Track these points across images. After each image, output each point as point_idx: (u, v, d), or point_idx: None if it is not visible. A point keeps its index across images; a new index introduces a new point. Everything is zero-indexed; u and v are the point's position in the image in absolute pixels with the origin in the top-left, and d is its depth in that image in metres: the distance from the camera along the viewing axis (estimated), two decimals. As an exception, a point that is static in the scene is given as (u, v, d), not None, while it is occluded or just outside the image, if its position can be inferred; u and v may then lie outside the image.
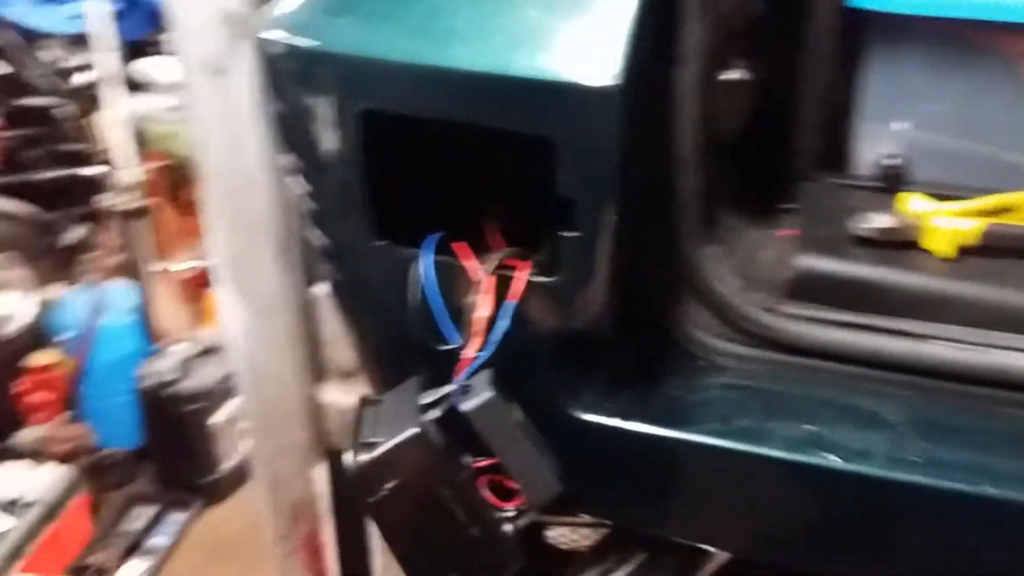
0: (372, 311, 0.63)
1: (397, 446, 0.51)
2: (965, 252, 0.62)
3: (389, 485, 0.51)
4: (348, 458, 0.51)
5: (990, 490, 0.51)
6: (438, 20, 0.52)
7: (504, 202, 0.59)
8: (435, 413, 0.54)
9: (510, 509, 0.55)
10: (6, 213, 2.77)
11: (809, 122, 0.71)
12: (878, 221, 0.63)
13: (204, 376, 2.34)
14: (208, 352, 2.43)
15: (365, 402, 0.57)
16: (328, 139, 0.57)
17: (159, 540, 2.18)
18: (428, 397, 0.55)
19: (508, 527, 0.54)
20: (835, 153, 0.74)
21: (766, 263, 0.65)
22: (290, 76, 0.57)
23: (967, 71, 0.68)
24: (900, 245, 0.62)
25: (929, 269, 0.60)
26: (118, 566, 2.08)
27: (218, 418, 2.34)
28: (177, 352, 2.43)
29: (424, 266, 0.55)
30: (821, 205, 0.68)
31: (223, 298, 1.59)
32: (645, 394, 0.59)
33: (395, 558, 0.53)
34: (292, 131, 0.60)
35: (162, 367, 2.36)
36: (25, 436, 2.31)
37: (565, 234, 0.52)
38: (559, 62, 0.48)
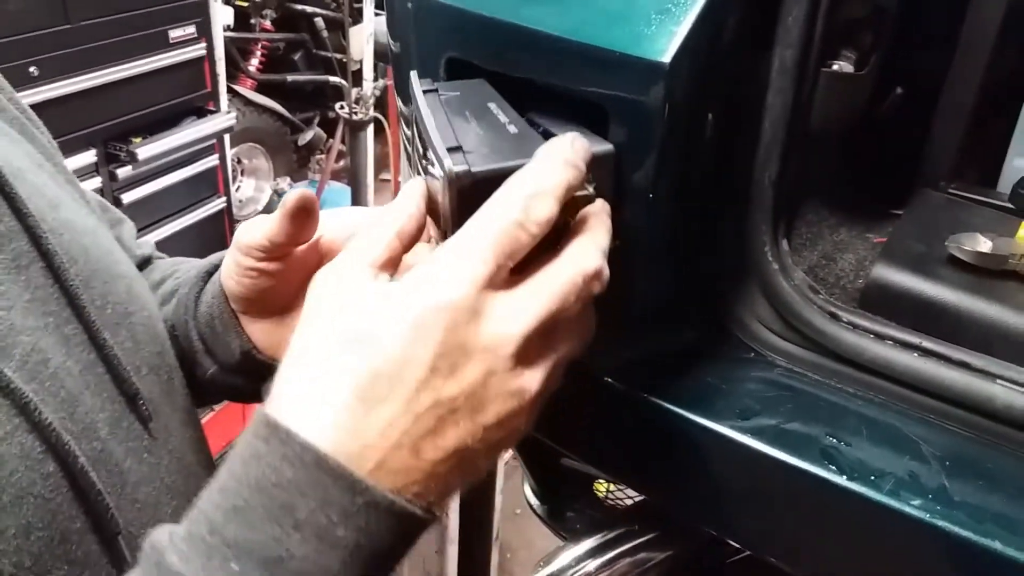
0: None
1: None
2: (1075, 295, 0.56)
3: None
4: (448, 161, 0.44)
5: (997, 545, 0.48)
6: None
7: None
8: None
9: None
10: (262, 108, 3.10)
11: (948, 126, 0.66)
12: (980, 244, 0.58)
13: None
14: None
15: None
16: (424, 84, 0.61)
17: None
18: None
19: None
20: (976, 162, 0.68)
21: (845, 267, 0.62)
22: (402, 18, 0.62)
23: None
24: (997, 274, 0.57)
25: (1019, 304, 0.55)
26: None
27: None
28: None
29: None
30: (931, 217, 0.64)
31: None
32: (679, 374, 0.60)
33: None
34: (400, 75, 0.65)
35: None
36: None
37: (608, 203, 0.53)
38: (621, 32, 0.49)
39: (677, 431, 0.58)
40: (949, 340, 0.56)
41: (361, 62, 2.75)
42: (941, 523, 0.49)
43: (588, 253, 0.43)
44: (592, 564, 0.72)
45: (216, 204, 2.66)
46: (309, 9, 3.19)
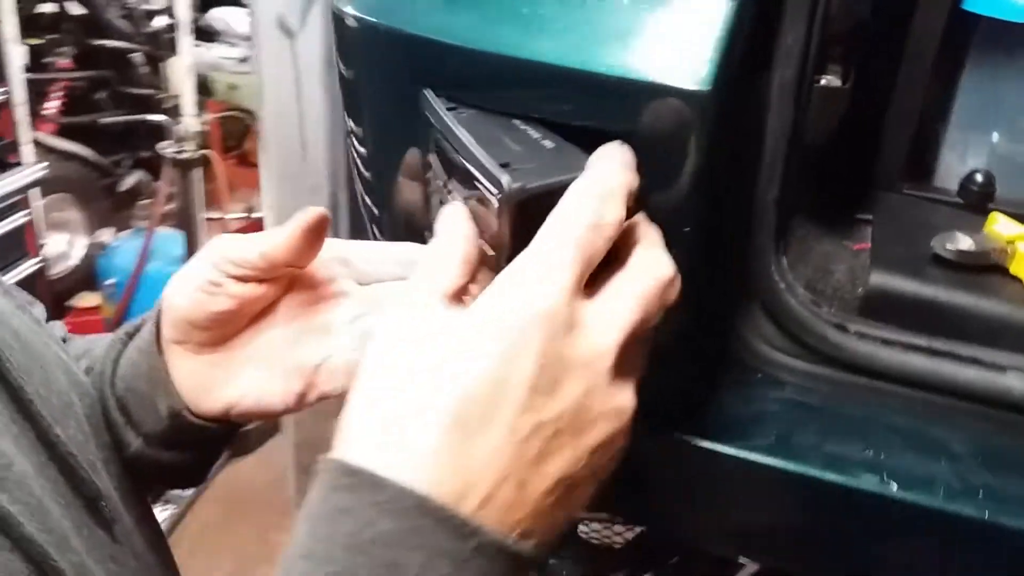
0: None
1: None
2: (1050, 280, 0.59)
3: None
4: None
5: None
6: (520, 10, 0.50)
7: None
8: None
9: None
10: (66, 153, 2.81)
11: (898, 130, 0.68)
12: (962, 242, 0.60)
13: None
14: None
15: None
16: (393, 117, 0.56)
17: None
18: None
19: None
20: (919, 162, 0.71)
21: (838, 277, 0.63)
22: (364, 51, 0.56)
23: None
24: (983, 269, 0.60)
25: (1011, 296, 0.58)
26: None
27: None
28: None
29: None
30: (900, 219, 0.66)
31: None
32: (697, 404, 0.58)
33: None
34: (358, 100, 0.59)
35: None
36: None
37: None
38: (647, 62, 0.47)
39: (713, 466, 0.56)
40: (953, 338, 0.57)
41: (179, 97, 2.56)
42: (1003, 520, 0.50)
43: (660, 260, 0.41)
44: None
45: (27, 266, 2.39)
46: (112, 44, 2.94)
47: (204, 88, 2.53)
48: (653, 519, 0.65)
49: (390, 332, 0.38)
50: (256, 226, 3.11)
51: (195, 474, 0.62)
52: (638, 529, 0.76)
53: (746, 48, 0.50)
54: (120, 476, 0.56)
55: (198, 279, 0.53)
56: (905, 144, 0.68)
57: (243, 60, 2.60)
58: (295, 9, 1.18)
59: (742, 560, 0.76)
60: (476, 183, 0.42)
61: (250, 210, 2.99)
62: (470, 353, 0.35)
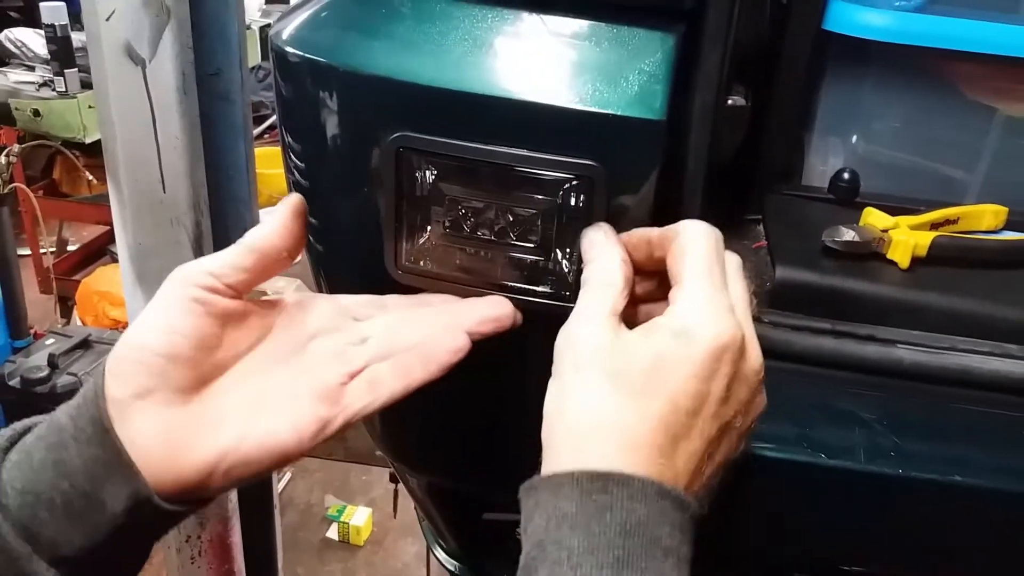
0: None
1: None
2: (917, 262, 0.69)
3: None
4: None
5: (957, 479, 0.58)
6: (479, 51, 0.53)
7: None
8: None
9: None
10: None
11: (777, 137, 0.76)
12: (846, 235, 0.69)
13: (79, 372, 2.20)
14: (82, 346, 2.29)
15: None
16: (353, 158, 0.56)
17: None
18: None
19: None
20: (790, 165, 0.80)
21: (748, 274, 0.69)
22: (316, 93, 0.56)
23: (915, 92, 0.76)
24: (866, 256, 0.69)
25: (892, 279, 0.67)
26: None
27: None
28: (47, 346, 2.28)
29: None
30: (785, 217, 0.74)
31: (128, 291, 1.51)
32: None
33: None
34: (296, 119, 0.59)
35: (31, 363, 2.20)
36: None
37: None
38: (607, 93, 0.50)
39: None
40: (851, 319, 0.66)
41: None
42: (914, 473, 0.58)
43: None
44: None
45: None
46: None
47: (3, 116, 2.33)
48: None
49: (578, 351, 0.47)
50: (72, 259, 2.89)
51: None
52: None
53: (679, 76, 0.55)
54: None
55: (172, 308, 0.49)
56: (783, 150, 0.77)
57: (44, 84, 2.41)
58: (143, 36, 1.13)
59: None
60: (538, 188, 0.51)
61: (64, 243, 2.78)
62: (674, 373, 0.45)
